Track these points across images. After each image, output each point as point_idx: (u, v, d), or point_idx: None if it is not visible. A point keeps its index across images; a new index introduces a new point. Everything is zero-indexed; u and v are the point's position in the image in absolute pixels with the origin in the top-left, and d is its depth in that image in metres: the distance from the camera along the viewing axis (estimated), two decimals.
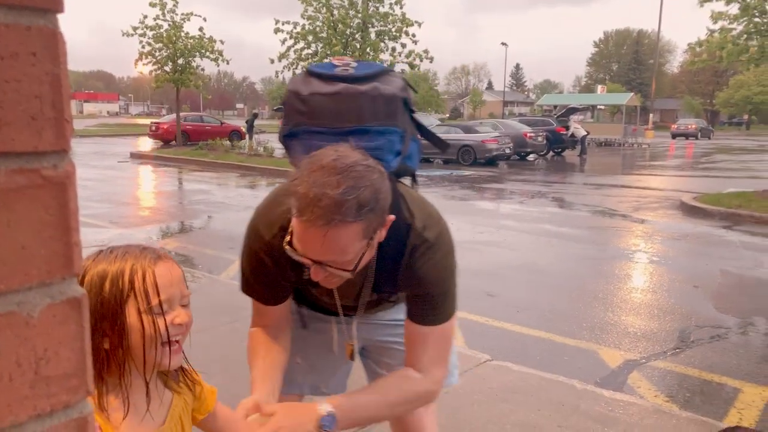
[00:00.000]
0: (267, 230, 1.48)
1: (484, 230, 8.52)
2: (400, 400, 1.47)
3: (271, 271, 1.50)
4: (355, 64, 1.56)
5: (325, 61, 1.75)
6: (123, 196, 11.84)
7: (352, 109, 1.47)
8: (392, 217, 1.34)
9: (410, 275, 1.46)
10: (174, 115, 23.93)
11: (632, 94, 40.29)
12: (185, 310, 1.17)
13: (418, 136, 1.67)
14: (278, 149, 20.75)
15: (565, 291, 5.70)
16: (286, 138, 1.56)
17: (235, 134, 26.61)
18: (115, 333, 1.09)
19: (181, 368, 1.25)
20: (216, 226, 8.76)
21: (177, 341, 1.16)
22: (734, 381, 3.76)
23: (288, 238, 1.33)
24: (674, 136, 42.94)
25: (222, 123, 28.74)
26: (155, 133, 25.91)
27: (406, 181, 1.67)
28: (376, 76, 1.52)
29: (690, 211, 10.44)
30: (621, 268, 6.62)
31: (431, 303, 1.48)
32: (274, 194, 1.55)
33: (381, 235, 1.33)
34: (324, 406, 1.33)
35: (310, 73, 1.54)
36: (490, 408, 3.17)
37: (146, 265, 1.13)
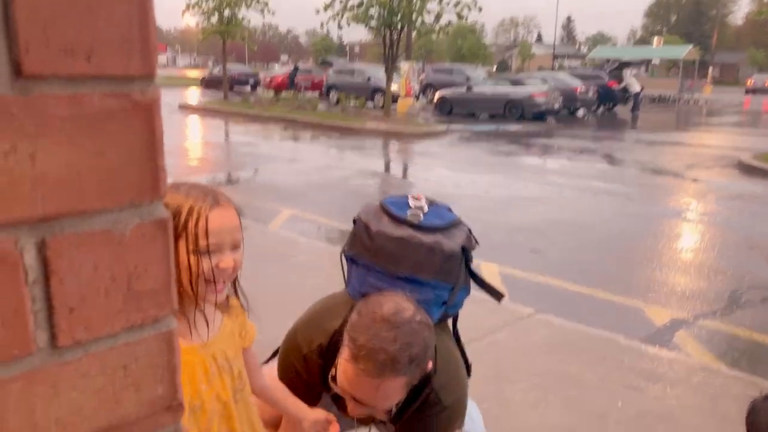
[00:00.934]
0: (306, 345, 1.61)
1: (529, 186, 8.40)
2: None
3: (303, 380, 1.62)
4: (427, 209, 1.66)
5: (402, 196, 1.76)
6: (170, 145, 12.11)
7: (411, 258, 1.57)
8: (430, 365, 1.45)
9: (413, 422, 1.56)
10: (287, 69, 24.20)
11: (691, 46, 38.26)
12: (233, 254, 1.22)
13: (469, 284, 1.73)
14: (321, 103, 20.70)
15: (611, 248, 5.61)
16: (347, 258, 1.69)
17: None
18: None
19: (235, 293, 1.32)
20: (262, 178, 8.90)
21: (223, 281, 1.22)
22: None
23: (333, 372, 1.47)
24: (749, 92, 40.38)
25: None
26: (269, 84, 27.28)
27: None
28: (443, 230, 1.61)
29: (748, 170, 10.02)
30: (671, 226, 6.46)
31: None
32: (317, 310, 1.68)
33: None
34: None
35: (383, 209, 1.65)
36: (533, 360, 3.19)
37: (202, 209, 1.17)
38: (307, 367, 1.60)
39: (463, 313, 1.75)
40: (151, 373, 0.54)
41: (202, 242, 1.16)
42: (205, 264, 1.17)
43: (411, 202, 1.66)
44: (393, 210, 1.62)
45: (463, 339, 1.83)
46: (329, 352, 1.56)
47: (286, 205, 7.00)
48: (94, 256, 0.48)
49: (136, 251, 0.51)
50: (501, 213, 6.88)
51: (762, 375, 3.22)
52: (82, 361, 0.49)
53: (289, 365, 1.63)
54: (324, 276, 4.41)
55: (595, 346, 3.37)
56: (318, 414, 1.54)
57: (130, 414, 0.53)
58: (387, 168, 10.15)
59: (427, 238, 1.57)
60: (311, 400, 1.68)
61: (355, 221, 1.69)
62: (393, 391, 1.41)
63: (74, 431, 0.50)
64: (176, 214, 1.15)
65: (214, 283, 1.19)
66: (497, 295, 1.75)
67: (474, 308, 1.75)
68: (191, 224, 1.16)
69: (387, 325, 1.35)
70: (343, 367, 1.41)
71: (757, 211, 7.18)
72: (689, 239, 6.06)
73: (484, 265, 5.04)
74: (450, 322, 1.79)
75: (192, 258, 1.16)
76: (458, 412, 1.57)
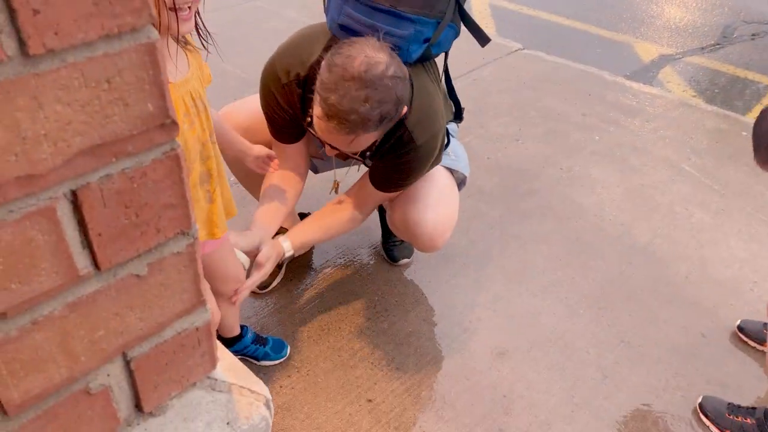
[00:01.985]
0: (284, 75, 1.56)
1: None
2: (335, 230, 1.75)
3: (283, 111, 1.61)
4: None
5: None
6: None
7: None
8: (405, 110, 1.46)
9: (387, 160, 1.59)
10: None
11: None
12: None
13: (459, 24, 1.59)
14: None
15: None
16: None
17: None
18: None
19: (196, 27, 1.22)
20: None
21: (188, 7, 1.11)
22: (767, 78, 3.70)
23: (309, 119, 1.48)
24: None
25: None
26: None
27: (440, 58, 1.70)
28: None
29: None
30: None
31: (389, 179, 1.66)
32: (294, 40, 1.61)
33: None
34: (286, 244, 1.65)
35: None
36: (517, 94, 3.20)
37: None
38: (287, 97, 1.58)
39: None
40: (138, 87, 0.50)
41: None
42: None
43: None
44: None
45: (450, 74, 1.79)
46: (308, 82, 1.52)
47: None
48: None
49: None
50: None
51: (737, 110, 3.31)
52: (60, 71, 0.45)
53: (270, 95, 1.61)
54: (297, 6, 4.14)
55: (581, 83, 3.36)
56: (259, 150, 1.56)
57: (121, 130, 0.51)
58: None
59: None
60: (295, 135, 1.69)
61: None
62: (365, 141, 1.45)
63: (66, 146, 0.48)
64: None
65: (175, 11, 1.09)
66: (483, 39, 1.63)
67: (460, 42, 1.67)
68: None
69: (358, 83, 1.32)
70: (316, 121, 1.41)
71: None
72: None
73: None
74: (441, 59, 1.71)
75: None
76: (432, 149, 1.60)
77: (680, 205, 2.45)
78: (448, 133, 1.86)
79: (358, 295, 2.00)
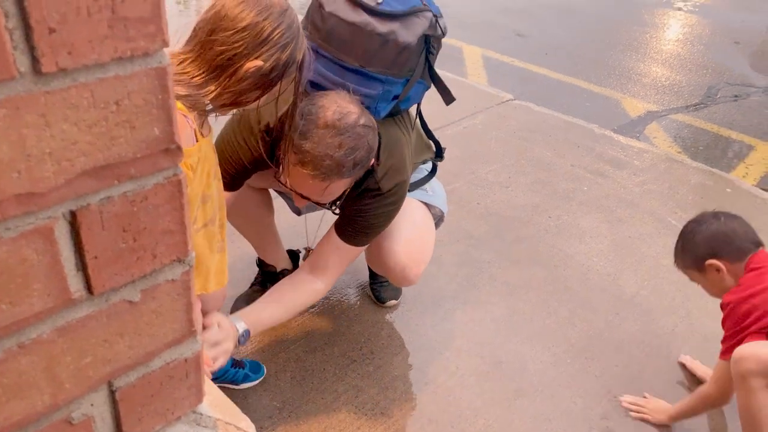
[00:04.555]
0: (255, 124, 1.56)
1: None
2: (297, 303, 1.66)
3: (245, 154, 1.59)
4: None
5: None
6: None
7: (362, 48, 1.46)
8: (373, 162, 1.50)
9: (354, 207, 1.60)
10: None
11: None
12: None
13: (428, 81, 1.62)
14: None
15: (598, 36, 5.44)
16: None
17: None
18: None
19: None
20: None
21: None
22: (750, 139, 3.79)
23: (279, 174, 1.49)
24: None
25: None
26: None
27: (413, 110, 1.72)
28: (402, 17, 1.47)
29: None
30: (661, 16, 6.21)
31: (358, 229, 1.64)
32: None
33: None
34: (240, 325, 1.51)
35: None
36: (507, 143, 3.25)
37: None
38: (255, 144, 1.59)
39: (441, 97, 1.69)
40: (146, 111, 0.50)
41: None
42: None
43: None
44: None
45: (441, 122, 1.83)
46: (277, 131, 1.54)
47: None
48: None
49: None
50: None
51: (721, 168, 3.38)
52: (70, 90, 0.45)
53: (235, 140, 1.60)
54: None
55: (570, 134, 3.43)
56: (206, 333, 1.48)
57: (126, 153, 0.50)
58: None
59: (383, 27, 1.45)
60: (240, 178, 1.68)
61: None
62: (337, 190, 1.48)
63: (69, 166, 0.48)
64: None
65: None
66: (448, 97, 1.65)
67: (453, 91, 1.69)
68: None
69: (332, 131, 1.36)
70: (290, 170, 1.43)
71: (750, 5, 6.91)
72: (677, 31, 5.88)
73: (467, 48, 4.88)
74: (413, 109, 1.74)
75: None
76: (397, 197, 1.62)
77: (666, 258, 2.47)
78: (434, 169, 1.89)
79: (344, 336, 1.97)
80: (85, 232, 0.51)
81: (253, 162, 1.61)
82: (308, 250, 1.92)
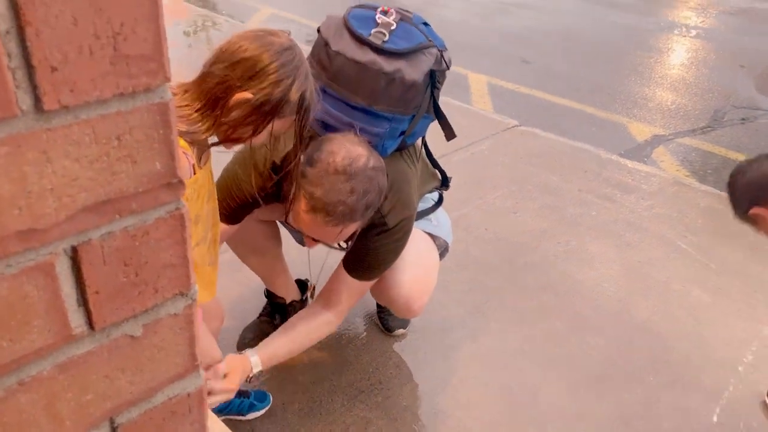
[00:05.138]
0: (261, 163, 1.56)
1: None
2: (310, 337, 1.67)
3: (248, 192, 1.58)
4: (394, 26, 1.48)
5: (370, 9, 1.54)
6: None
7: (369, 87, 1.47)
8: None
9: (361, 243, 1.59)
10: None
11: None
12: None
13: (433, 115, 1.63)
14: None
15: (602, 61, 5.47)
16: None
17: None
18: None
19: None
20: None
21: None
22: None
23: (287, 215, 1.48)
24: None
25: None
26: None
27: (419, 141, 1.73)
28: (408, 55, 1.48)
29: None
30: (665, 41, 6.25)
31: (365, 265, 1.64)
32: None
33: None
34: (254, 359, 1.54)
35: (346, 25, 1.50)
36: (514, 169, 3.26)
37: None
38: (261, 181, 1.58)
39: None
40: (147, 146, 0.50)
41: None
42: None
43: (378, 18, 1.51)
44: (356, 28, 1.48)
45: (448, 149, 1.83)
46: (281, 169, 1.53)
47: (264, 2, 6.55)
48: (72, 6, 0.42)
49: (120, 6, 0.44)
50: (493, 18, 6.56)
51: None
52: (72, 127, 0.45)
53: (241, 175, 1.60)
54: None
55: (576, 159, 3.43)
56: (220, 366, 1.48)
57: (127, 188, 0.50)
58: None
59: (389, 66, 1.46)
60: (243, 212, 1.68)
61: (318, 30, 1.56)
62: (349, 232, 1.48)
63: (71, 202, 0.48)
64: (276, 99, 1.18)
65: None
66: (450, 133, 1.65)
67: (459, 118, 1.71)
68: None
69: (342, 177, 1.36)
70: (302, 216, 1.42)
71: (756, 29, 6.94)
72: (682, 55, 5.91)
73: (472, 75, 4.92)
74: (418, 142, 1.75)
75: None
76: (403, 232, 1.62)
77: (677, 282, 2.44)
78: (440, 199, 1.89)
79: (352, 366, 1.95)
80: (87, 268, 0.51)
81: (256, 198, 1.61)
82: (313, 288, 1.92)
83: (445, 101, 1.67)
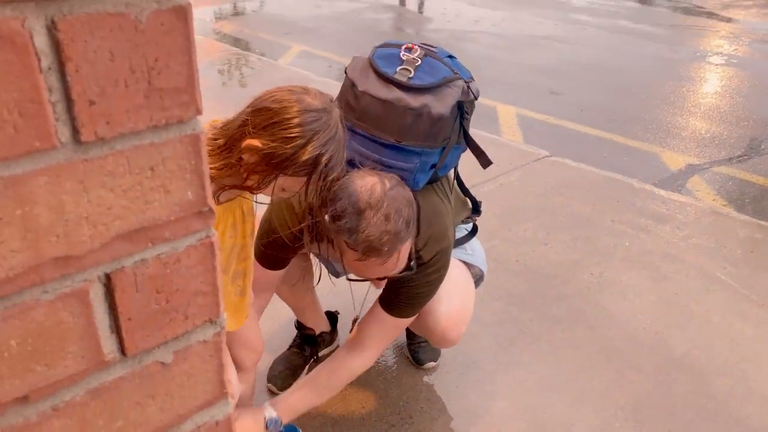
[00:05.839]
0: (297, 204, 1.57)
1: (550, 23, 7.95)
2: (332, 386, 1.66)
3: (288, 232, 1.59)
4: (419, 62, 1.51)
5: (394, 47, 1.57)
6: None
7: (396, 123, 1.48)
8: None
9: (397, 279, 1.57)
10: None
11: None
12: None
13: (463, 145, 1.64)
14: None
15: (633, 92, 5.44)
16: None
17: None
18: None
19: None
20: (270, 9, 8.45)
21: None
22: None
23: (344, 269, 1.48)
24: None
25: None
26: None
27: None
28: (434, 89, 1.50)
29: None
30: (698, 70, 6.19)
31: (402, 300, 1.62)
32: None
33: None
34: (269, 412, 1.54)
35: (371, 64, 1.53)
36: (545, 200, 3.23)
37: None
38: (298, 221, 1.59)
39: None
40: (179, 176, 0.52)
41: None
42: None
43: (403, 55, 1.53)
44: (381, 67, 1.51)
45: (478, 179, 1.83)
46: (314, 210, 1.53)
47: (295, 39, 6.72)
48: (110, 42, 0.44)
49: (154, 42, 0.46)
50: (521, 51, 6.60)
51: None
52: (107, 158, 0.47)
53: (281, 219, 1.61)
54: None
55: (608, 189, 3.39)
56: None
57: (160, 216, 0.52)
58: (402, 1, 9.57)
59: (415, 101, 1.47)
60: (282, 263, 1.70)
61: (346, 71, 1.59)
62: (406, 253, 1.47)
63: (105, 230, 0.49)
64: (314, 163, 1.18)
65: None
66: (485, 161, 1.64)
67: (491, 150, 1.70)
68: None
69: (371, 212, 1.35)
70: (358, 265, 1.43)
71: None
72: (715, 84, 5.84)
73: (500, 107, 4.94)
74: (450, 174, 1.75)
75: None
76: (440, 266, 1.60)
77: (717, 314, 2.36)
78: (474, 229, 1.87)
79: (381, 399, 1.93)
80: (120, 295, 0.52)
81: (294, 240, 1.62)
82: (356, 320, 1.91)
83: (474, 133, 1.67)
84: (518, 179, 3.45)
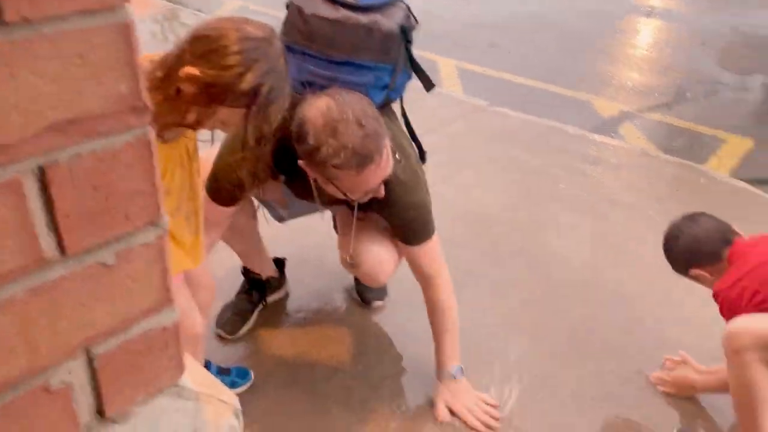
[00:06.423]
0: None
1: None
2: (454, 319, 1.75)
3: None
4: None
5: None
6: None
7: (347, 39, 1.51)
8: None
9: (392, 213, 1.63)
10: None
11: None
12: None
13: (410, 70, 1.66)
14: None
15: (568, 43, 5.54)
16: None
17: None
18: None
19: None
20: None
21: None
22: (722, 133, 3.87)
23: (341, 193, 1.49)
24: None
25: None
26: None
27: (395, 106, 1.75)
28: (379, 8, 1.53)
29: None
30: (631, 23, 6.35)
31: (409, 229, 1.67)
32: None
33: None
34: (451, 367, 1.73)
35: None
36: (485, 147, 3.30)
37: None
38: (242, 164, 1.55)
39: (420, 105, 1.74)
40: (111, 66, 0.51)
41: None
42: None
43: None
44: None
45: (420, 130, 1.86)
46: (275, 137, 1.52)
47: None
48: None
49: None
50: (461, 7, 6.59)
51: (695, 160, 3.44)
52: (33, 42, 0.46)
53: (227, 162, 1.58)
54: None
55: (544, 136, 3.48)
56: None
57: (93, 108, 0.51)
58: None
59: (364, 18, 1.51)
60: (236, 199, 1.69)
61: (287, 5, 1.59)
62: (388, 148, 1.48)
63: (36, 119, 0.48)
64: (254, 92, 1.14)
65: None
66: (429, 84, 1.69)
67: (431, 101, 1.73)
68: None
69: (342, 124, 1.38)
70: (353, 184, 1.46)
71: (718, 7, 7.09)
72: (647, 36, 6.02)
73: (441, 60, 4.95)
74: (398, 109, 1.78)
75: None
76: (412, 170, 1.66)
77: (648, 249, 2.50)
78: None
79: (331, 339, 1.97)
80: (56, 190, 0.51)
81: (239, 184, 1.59)
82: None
83: (416, 84, 1.69)
84: (458, 129, 3.50)
